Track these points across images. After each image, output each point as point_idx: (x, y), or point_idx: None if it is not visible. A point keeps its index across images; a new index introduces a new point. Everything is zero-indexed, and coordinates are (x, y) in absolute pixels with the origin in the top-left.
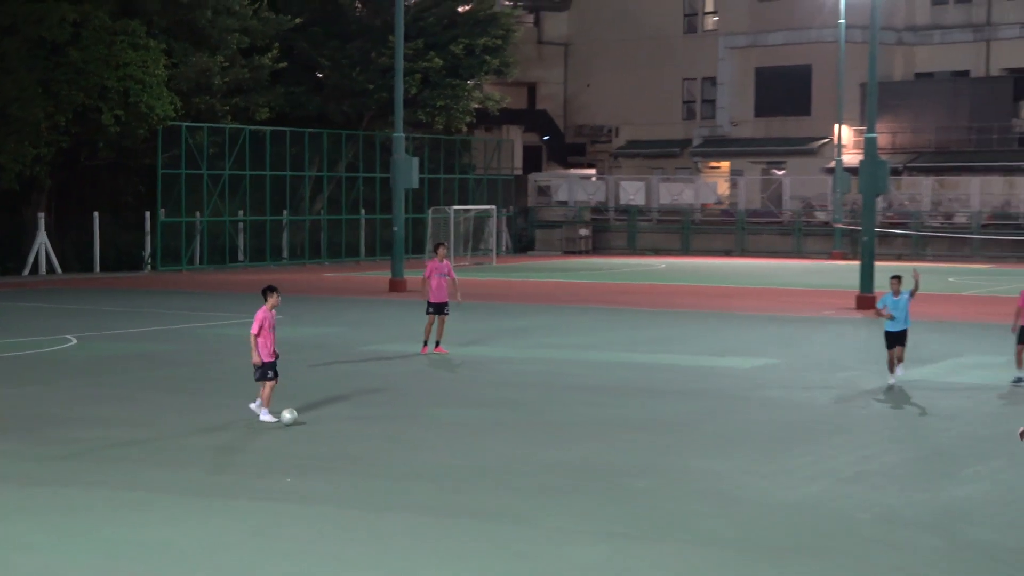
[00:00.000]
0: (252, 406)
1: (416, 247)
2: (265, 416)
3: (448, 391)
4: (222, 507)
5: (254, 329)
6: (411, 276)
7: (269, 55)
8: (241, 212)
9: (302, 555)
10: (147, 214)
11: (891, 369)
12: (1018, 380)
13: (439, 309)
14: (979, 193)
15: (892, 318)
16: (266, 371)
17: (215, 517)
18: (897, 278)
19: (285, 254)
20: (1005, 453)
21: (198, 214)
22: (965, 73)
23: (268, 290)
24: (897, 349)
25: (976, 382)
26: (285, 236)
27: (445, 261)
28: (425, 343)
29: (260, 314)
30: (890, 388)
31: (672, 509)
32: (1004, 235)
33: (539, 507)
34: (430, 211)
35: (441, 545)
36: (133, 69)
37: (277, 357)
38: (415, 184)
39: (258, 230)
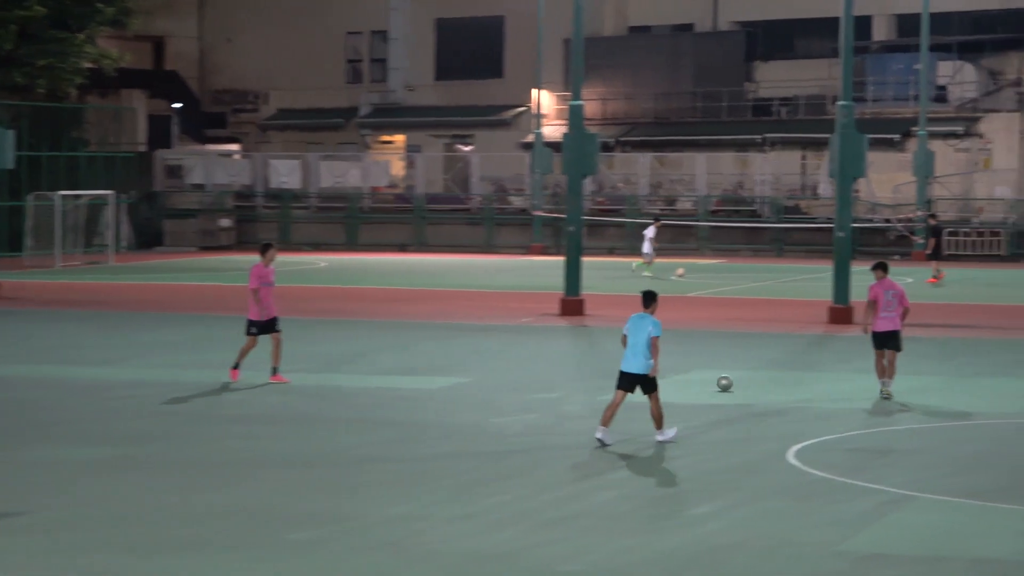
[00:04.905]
0: None
1: (12, 242)
2: None
3: (64, 423)
4: None
5: None
6: (4, 279)
7: None
8: None
9: None
10: None
11: (604, 421)
12: (885, 395)
13: (267, 327)
14: (706, 173)
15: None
16: None
17: None
18: (649, 296)
19: None
20: (739, 487)
21: None
22: (688, 27)
23: None
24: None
25: (705, 402)
26: None
27: (271, 266)
28: (236, 366)
29: None
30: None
31: (344, 564)
32: (736, 223)
33: (178, 569)
34: (30, 197)
35: None
36: None
37: None
38: (10, 164)
39: None
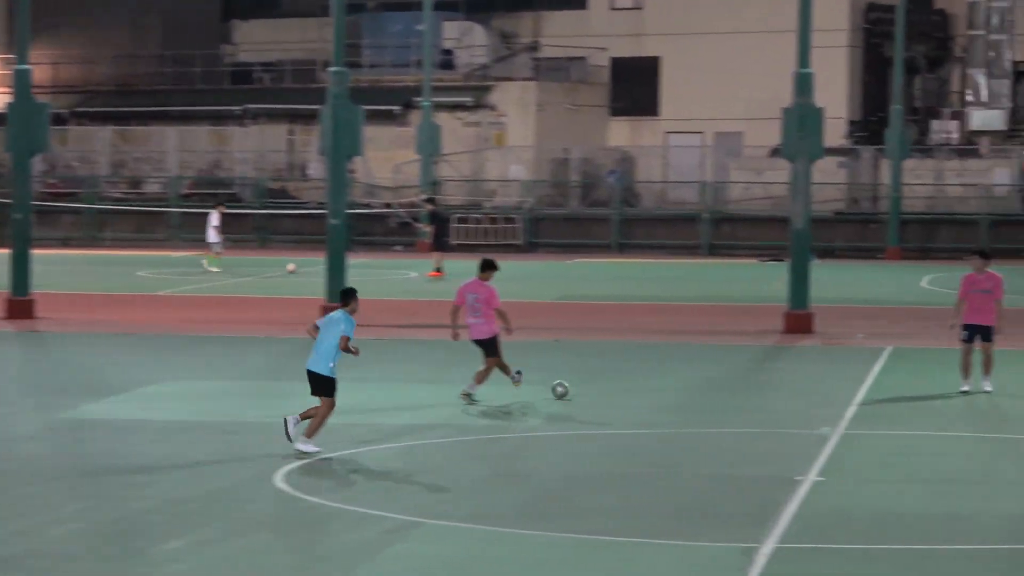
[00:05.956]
0: None
1: None
2: None
3: None
4: None
5: None
6: None
7: None
8: None
9: None
10: None
11: (309, 433)
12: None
13: None
14: (178, 150)
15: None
16: None
17: None
18: (347, 293)
19: None
20: (217, 518)
21: None
22: None
23: None
24: None
25: (179, 417)
26: None
27: None
28: None
29: None
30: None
31: None
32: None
33: None
34: None
35: None
36: None
37: None
38: None
39: None
